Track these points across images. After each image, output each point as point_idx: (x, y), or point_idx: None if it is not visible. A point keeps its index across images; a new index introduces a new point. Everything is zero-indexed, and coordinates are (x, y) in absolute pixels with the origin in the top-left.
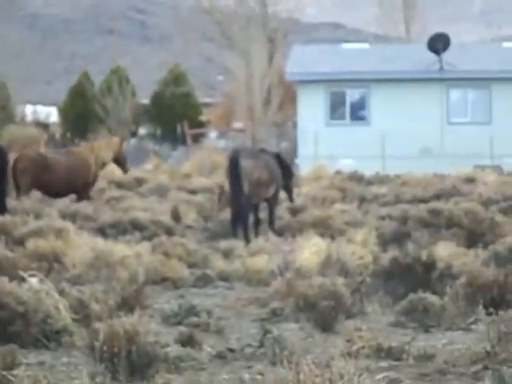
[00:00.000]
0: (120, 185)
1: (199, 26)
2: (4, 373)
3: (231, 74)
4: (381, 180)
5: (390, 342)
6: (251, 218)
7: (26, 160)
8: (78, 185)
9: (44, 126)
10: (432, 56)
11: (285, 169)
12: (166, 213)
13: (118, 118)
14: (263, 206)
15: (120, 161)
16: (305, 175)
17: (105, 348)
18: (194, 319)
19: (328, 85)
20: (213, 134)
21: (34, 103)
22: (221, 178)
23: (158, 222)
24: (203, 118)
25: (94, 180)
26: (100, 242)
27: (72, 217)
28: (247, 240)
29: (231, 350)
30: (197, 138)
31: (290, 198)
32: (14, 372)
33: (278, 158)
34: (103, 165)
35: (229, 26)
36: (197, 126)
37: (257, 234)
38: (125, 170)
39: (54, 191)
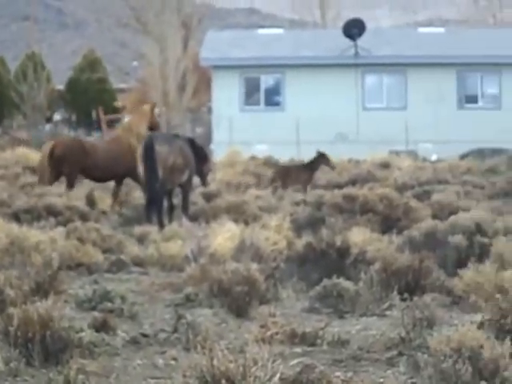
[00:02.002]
0: (35, 170)
1: (114, 12)
2: None
3: (146, 60)
4: None
5: (304, 327)
6: (165, 204)
7: (63, 147)
8: (121, 169)
9: None
10: (347, 41)
11: (199, 154)
12: (80, 198)
13: (33, 103)
14: (177, 191)
15: (154, 127)
16: (219, 161)
17: (19, 333)
18: (108, 304)
19: (243, 70)
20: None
21: None
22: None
23: (72, 208)
24: (118, 103)
25: None
26: (14, 228)
27: None
28: (161, 225)
29: (145, 336)
30: (112, 124)
31: (204, 183)
32: None
33: (192, 143)
34: (142, 139)
35: (143, 12)
36: (111, 112)
37: (171, 220)
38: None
39: (96, 176)
